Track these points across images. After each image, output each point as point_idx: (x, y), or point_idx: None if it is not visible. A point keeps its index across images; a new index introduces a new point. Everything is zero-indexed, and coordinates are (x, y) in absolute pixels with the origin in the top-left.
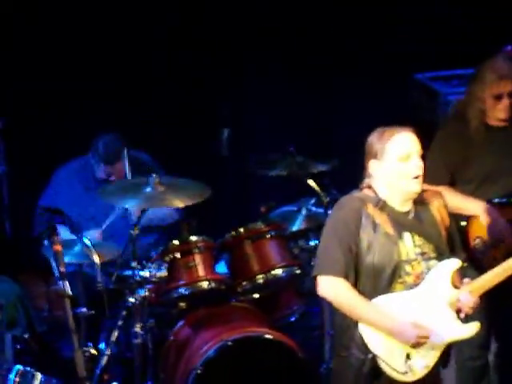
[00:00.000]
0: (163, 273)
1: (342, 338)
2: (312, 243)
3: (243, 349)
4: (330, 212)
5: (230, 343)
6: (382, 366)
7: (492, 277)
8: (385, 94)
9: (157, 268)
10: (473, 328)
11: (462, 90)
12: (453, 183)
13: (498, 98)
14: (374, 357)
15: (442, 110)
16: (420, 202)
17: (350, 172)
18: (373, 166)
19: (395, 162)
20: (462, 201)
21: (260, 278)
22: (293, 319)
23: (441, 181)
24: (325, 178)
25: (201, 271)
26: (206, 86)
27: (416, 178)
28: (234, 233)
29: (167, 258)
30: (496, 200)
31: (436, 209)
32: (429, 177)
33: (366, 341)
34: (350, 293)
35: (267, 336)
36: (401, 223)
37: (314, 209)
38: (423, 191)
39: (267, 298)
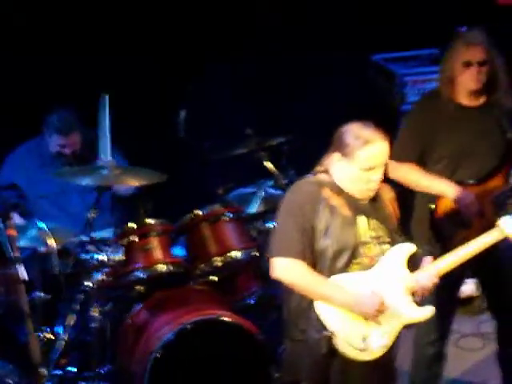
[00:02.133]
0: (120, 256)
1: (298, 321)
2: (270, 225)
3: (202, 332)
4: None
5: (188, 326)
6: (339, 344)
7: (455, 258)
8: (343, 75)
9: (114, 251)
10: (427, 311)
11: (419, 70)
12: (424, 162)
13: (467, 65)
14: (331, 335)
15: (399, 91)
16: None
17: (307, 152)
18: (337, 158)
19: (358, 169)
20: (432, 181)
21: (218, 261)
22: (252, 301)
23: (408, 158)
24: (282, 159)
25: (158, 254)
26: (165, 68)
27: (370, 190)
28: (191, 215)
29: (124, 241)
30: (469, 181)
31: (388, 200)
32: (396, 153)
33: (323, 319)
34: (306, 273)
35: (225, 319)
36: (356, 207)
37: (271, 190)
38: None
39: (225, 281)
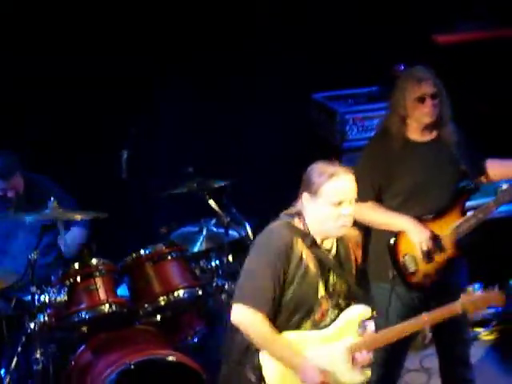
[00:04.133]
0: (63, 297)
1: (240, 355)
2: (213, 263)
3: (146, 371)
4: (257, 240)
5: (132, 366)
6: None
7: (393, 334)
8: (285, 114)
9: (57, 292)
10: (364, 376)
11: (359, 108)
12: (380, 199)
13: (421, 100)
14: None
15: (340, 128)
16: (339, 238)
17: (249, 191)
18: (306, 198)
19: (327, 205)
20: (389, 217)
21: (162, 300)
22: (195, 340)
23: (367, 197)
24: (224, 198)
25: (102, 294)
26: (106, 107)
27: (343, 226)
28: (134, 255)
29: (67, 282)
30: (426, 216)
31: (352, 248)
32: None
33: (264, 370)
34: (265, 328)
35: (170, 358)
36: (323, 261)
37: (214, 229)
38: None
39: (170, 320)
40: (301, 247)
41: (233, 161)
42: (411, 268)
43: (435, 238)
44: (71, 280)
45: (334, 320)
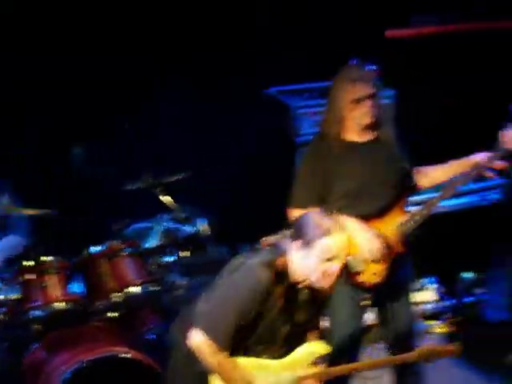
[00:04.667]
0: (16, 294)
1: (189, 363)
2: (168, 259)
3: (101, 369)
4: (234, 273)
5: (86, 364)
6: None
7: (344, 369)
8: (238, 109)
9: (9, 290)
10: None
11: (312, 103)
12: (323, 202)
13: (358, 101)
14: None
15: (293, 123)
16: None
17: (203, 186)
18: (295, 247)
19: (317, 259)
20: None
21: (116, 297)
22: (151, 336)
23: (309, 203)
24: (179, 195)
25: (55, 292)
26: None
27: (328, 279)
28: (89, 251)
29: (20, 279)
30: (370, 215)
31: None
32: (297, 199)
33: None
34: (218, 358)
35: (125, 355)
36: (292, 309)
37: (169, 225)
38: None
39: (125, 317)
40: (278, 295)
41: (188, 156)
42: (357, 268)
43: (380, 238)
44: (24, 277)
45: (288, 353)
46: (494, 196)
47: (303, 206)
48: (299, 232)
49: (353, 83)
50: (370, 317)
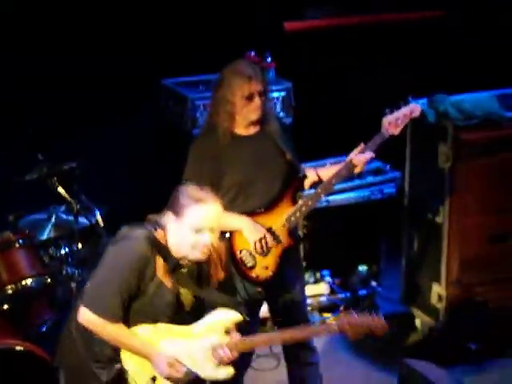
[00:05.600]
0: None
1: (90, 345)
2: (63, 251)
3: None
4: (114, 245)
5: None
6: (126, 378)
7: (261, 340)
8: (134, 100)
9: None
10: (226, 373)
11: (209, 94)
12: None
13: (249, 98)
14: (122, 368)
15: (190, 114)
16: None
17: (97, 177)
18: (169, 218)
19: (187, 229)
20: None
21: (9, 289)
22: (44, 329)
23: None
24: (74, 185)
25: None
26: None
27: (201, 253)
28: None
29: None
30: (259, 209)
31: (213, 261)
32: None
33: (122, 352)
34: (113, 330)
35: (18, 347)
36: (177, 279)
37: (64, 216)
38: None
39: (18, 309)
40: (157, 262)
41: (83, 148)
42: (249, 263)
43: (269, 232)
44: None
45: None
46: (389, 190)
47: None
48: (173, 203)
49: (246, 80)
50: (263, 310)
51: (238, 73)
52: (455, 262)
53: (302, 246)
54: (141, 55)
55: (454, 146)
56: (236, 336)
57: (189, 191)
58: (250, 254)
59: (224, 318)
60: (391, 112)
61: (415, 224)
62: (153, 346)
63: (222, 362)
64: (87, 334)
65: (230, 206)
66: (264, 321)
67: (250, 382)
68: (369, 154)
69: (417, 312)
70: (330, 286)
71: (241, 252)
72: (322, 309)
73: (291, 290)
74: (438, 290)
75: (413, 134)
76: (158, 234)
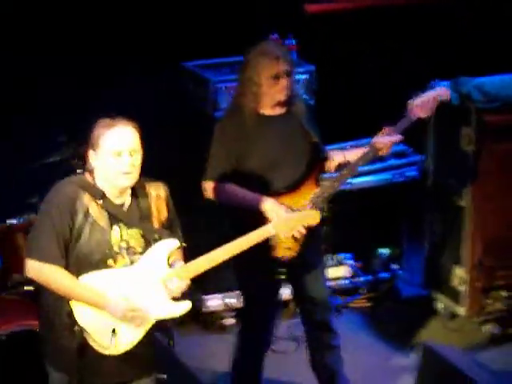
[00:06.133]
0: None
1: (51, 316)
2: None
3: (16, 343)
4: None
5: (3, 337)
6: (88, 339)
7: (205, 261)
8: (155, 83)
9: None
10: (183, 307)
11: (232, 77)
12: (238, 175)
13: (276, 78)
14: (81, 330)
15: (212, 97)
16: (140, 194)
17: None
18: (91, 156)
19: (107, 155)
20: (247, 198)
21: None
22: None
23: (224, 176)
24: None
25: None
26: None
27: (125, 173)
28: (5, 225)
29: None
30: (282, 190)
31: (154, 201)
32: (211, 173)
33: (76, 315)
34: (58, 276)
35: None
36: (113, 215)
37: None
38: (145, 183)
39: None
40: (88, 201)
41: None
42: (272, 243)
43: (291, 215)
44: None
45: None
46: (411, 173)
47: (218, 178)
48: (89, 140)
49: (270, 60)
50: (285, 292)
51: (265, 53)
52: (478, 245)
53: (323, 229)
54: (161, 37)
55: (478, 129)
56: (180, 264)
57: (99, 123)
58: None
59: (162, 248)
60: (418, 95)
61: (438, 207)
62: (103, 293)
63: (175, 295)
64: (44, 310)
65: (253, 187)
66: (286, 303)
67: (270, 364)
68: (395, 137)
69: (438, 295)
70: (352, 269)
71: None
72: (343, 291)
73: (313, 272)
74: (460, 274)
75: (436, 116)
76: (85, 176)
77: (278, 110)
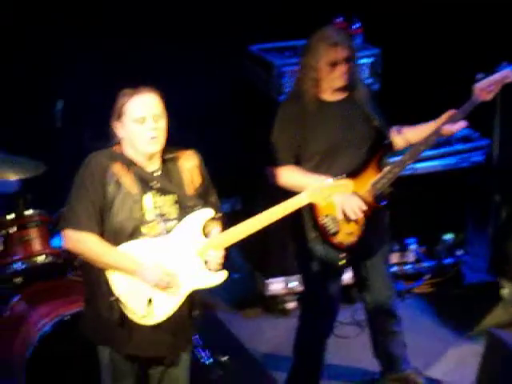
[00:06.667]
0: None
1: (93, 289)
2: None
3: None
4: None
5: (66, 318)
6: (124, 308)
7: (241, 230)
8: (219, 67)
9: None
10: (220, 277)
11: (295, 61)
12: (298, 161)
13: (334, 64)
14: (117, 299)
15: (276, 81)
16: (171, 162)
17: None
18: (116, 126)
19: (132, 123)
20: (309, 180)
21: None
22: None
23: (286, 161)
24: None
25: (37, 245)
26: (39, 58)
27: (151, 138)
28: None
29: (2, 233)
30: (344, 174)
31: (186, 169)
32: (273, 158)
33: (112, 284)
34: (94, 244)
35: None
36: (144, 183)
37: None
38: (176, 151)
39: None
40: (118, 170)
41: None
42: (332, 229)
43: (356, 199)
44: (6, 231)
45: (169, 231)
46: (476, 158)
47: (279, 164)
48: (113, 112)
49: (331, 46)
50: (347, 277)
51: (324, 39)
52: None
53: (388, 214)
54: (227, 21)
55: None
56: (216, 233)
57: (121, 93)
58: (334, 219)
59: (197, 218)
60: (484, 78)
61: (504, 192)
62: (139, 260)
63: (211, 267)
64: (88, 285)
65: (315, 171)
66: (348, 287)
67: (332, 349)
68: (460, 124)
69: (504, 281)
70: (416, 254)
71: (325, 218)
72: (407, 277)
73: (376, 257)
74: None
75: (502, 100)
76: (114, 148)
77: (339, 96)
